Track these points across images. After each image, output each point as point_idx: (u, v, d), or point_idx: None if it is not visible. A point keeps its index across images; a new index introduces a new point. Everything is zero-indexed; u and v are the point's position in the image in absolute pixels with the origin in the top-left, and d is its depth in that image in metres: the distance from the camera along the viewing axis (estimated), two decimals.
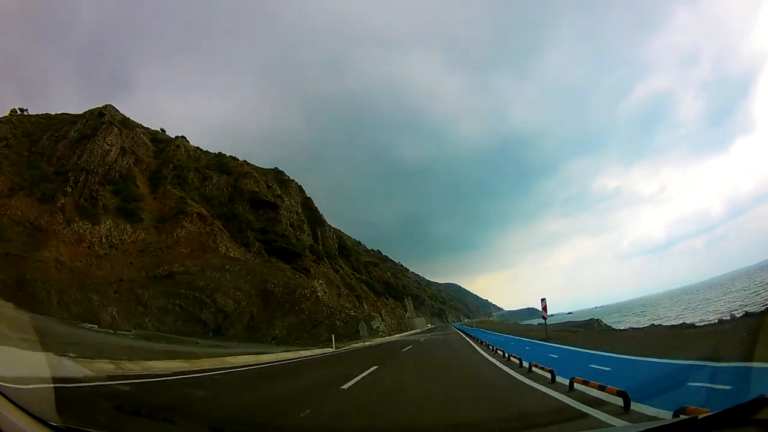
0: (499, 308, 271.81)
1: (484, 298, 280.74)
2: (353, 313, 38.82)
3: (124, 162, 58.44)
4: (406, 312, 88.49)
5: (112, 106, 74.62)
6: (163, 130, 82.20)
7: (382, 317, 66.01)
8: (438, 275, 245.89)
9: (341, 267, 65.94)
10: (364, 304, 60.80)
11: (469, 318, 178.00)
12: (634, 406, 5.12)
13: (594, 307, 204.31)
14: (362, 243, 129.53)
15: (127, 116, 75.22)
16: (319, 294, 38.44)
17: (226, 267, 40.81)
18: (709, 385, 5.90)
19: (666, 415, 4.32)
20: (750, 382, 5.65)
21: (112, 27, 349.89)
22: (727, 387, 5.69)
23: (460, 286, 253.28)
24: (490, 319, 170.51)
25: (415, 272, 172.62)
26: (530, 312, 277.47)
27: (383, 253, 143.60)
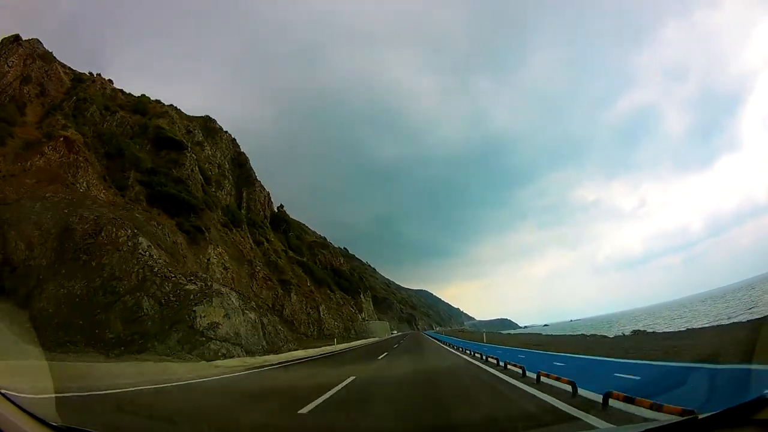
0: (471, 317, 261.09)
1: (456, 307, 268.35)
2: (190, 287, 19.37)
3: (25, 90, 47.64)
4: (360, 312, 73.91)
5: (38, 40, 60.78)
6: (90, 73, 67.93)
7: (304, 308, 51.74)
8: (409, 281, 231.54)
9: (267, 239, 51.42)
10: (292, 295, 46.43)
11: (441, 326, 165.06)
12: None
13: (570, 320, 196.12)
14: (328, 240, 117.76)
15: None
16: (142, 242, 21.11)
17: (47, 195, 26.34)
18: None
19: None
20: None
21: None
22: None
23: (431, 293, 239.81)
24: (463, 328, 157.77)
25: (386, 276, 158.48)
26: (503, 323, 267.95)
27: (350, 251, 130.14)
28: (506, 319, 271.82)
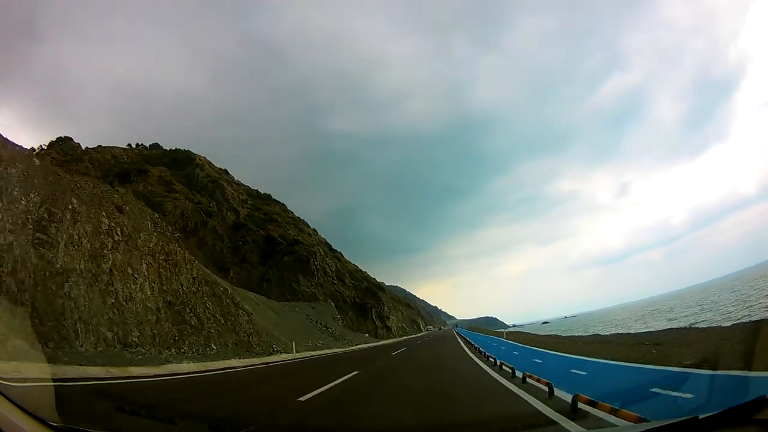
0: (451, 316, 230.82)
1: (433, 305, 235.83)
2: None
3: None
4: None
5: None
6: None
7: None
8: (380, 276, 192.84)
9: None
10: None
11: (432, 326, 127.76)
12: None
13: (564, 317, 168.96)
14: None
15: None
16: None
17: None
18: None
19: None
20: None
21: None
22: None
23: (404, 290, 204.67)
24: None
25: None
26: (489, 321, 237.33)
27: (265, 193, 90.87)
28: (492, 318, 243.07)
